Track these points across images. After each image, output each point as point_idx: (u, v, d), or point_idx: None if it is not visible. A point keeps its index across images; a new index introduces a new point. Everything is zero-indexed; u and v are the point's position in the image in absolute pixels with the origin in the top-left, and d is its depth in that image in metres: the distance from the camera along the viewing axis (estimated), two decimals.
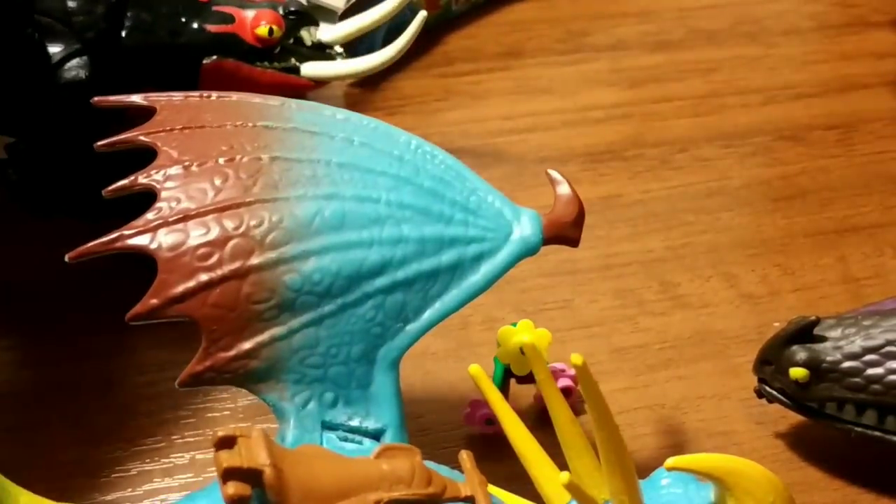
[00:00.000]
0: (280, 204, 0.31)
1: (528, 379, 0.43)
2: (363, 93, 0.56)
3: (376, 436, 0.32)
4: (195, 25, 0.44)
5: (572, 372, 0.42)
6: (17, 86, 0.42)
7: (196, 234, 0.31)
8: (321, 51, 0.47)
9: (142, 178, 0.32)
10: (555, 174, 0.35)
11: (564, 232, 0.35)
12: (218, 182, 0.32)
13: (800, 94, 0.58)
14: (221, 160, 0.32)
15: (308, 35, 0.47)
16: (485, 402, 0.41)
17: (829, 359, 0.38)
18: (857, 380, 0.38)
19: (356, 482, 0.27)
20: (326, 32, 0.47)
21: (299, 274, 0.31)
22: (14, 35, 0.41)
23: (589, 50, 0.60)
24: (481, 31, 0.61)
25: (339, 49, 0.48)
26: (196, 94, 0.34)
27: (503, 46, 0.60)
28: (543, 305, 0.46)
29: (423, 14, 0.46)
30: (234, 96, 0.35)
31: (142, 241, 0.31)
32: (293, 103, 0.35)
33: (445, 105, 0.56)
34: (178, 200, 0.31)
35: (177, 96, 0.34)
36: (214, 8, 0.45)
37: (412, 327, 0.32)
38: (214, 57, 0.44)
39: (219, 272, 0.30)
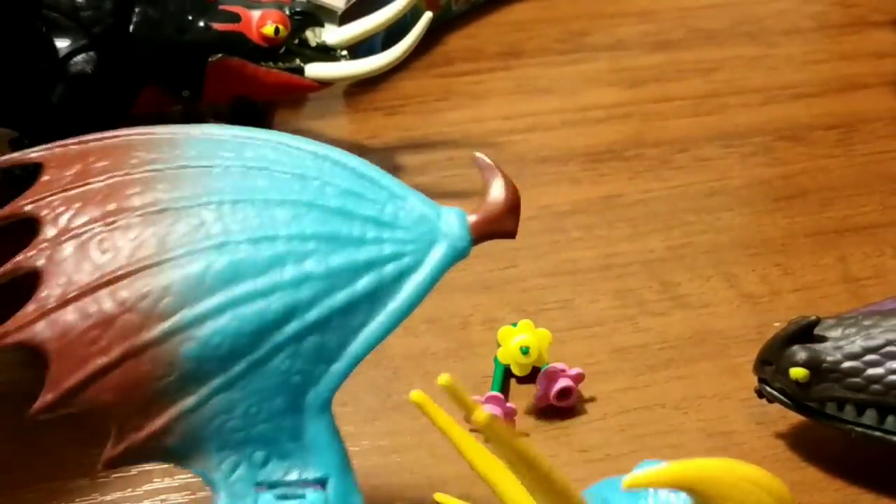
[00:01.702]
0: (167, 266, 0.29)
1: (529, 379, 0.43)
2: (363, 93, 0.56)
3: (321, 483, 0.30)
4: (202, 23, 0.45)
5: (572, 372, 0.42)
6: (24, 80, 0.42)
7: (82, 317, 0.29)
8: (325, 52, 0.47)
9: (25, 262, 0.30)
10: (482, 159, 0.32)
11: (498, 226, 0.32)
12: (102, 252, 0.29)
13: (800, 93, 0.58)
14: (106, 224, 0.30)
15: (313, 36, 0.47)
16: (485, 401, 0.42)
17: (829, 359, 0.38)
18: (857, 380, 0.38)
19: None
20: (331, 35, 0.47)
21: (196, 341, 0.29)
22: (21, 29, 0.41)
23: (589, 50, 0.60)
24: (481, 31, 0.61)
25: (342, 51, 0.48)
26: (83, 140, 0.32)
27: (503, 46, 0.60)
28: (543, 305, 0.46)
29: (428, 16, 0.46)
30: (122, 136, 0.32)
31: (26, 335, 0.29)
32: (183, 134, 0.32)
33: (445, 105, 0.56)
34: (62, 281, 0.29)
35: (70, 145, 0.32)
36: (221, 7, 0.45)
37: (337, 367, 0.30)
38: (220, 55, 0.44)
39: (112, 354, 0.28)
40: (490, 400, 0.42)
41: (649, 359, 0.45)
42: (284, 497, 0.30)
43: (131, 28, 0.44)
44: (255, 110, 0.55)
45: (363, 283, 0.30)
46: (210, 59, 0.44)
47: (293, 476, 0.30)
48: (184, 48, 0.44)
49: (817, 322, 0.39)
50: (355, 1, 0.53)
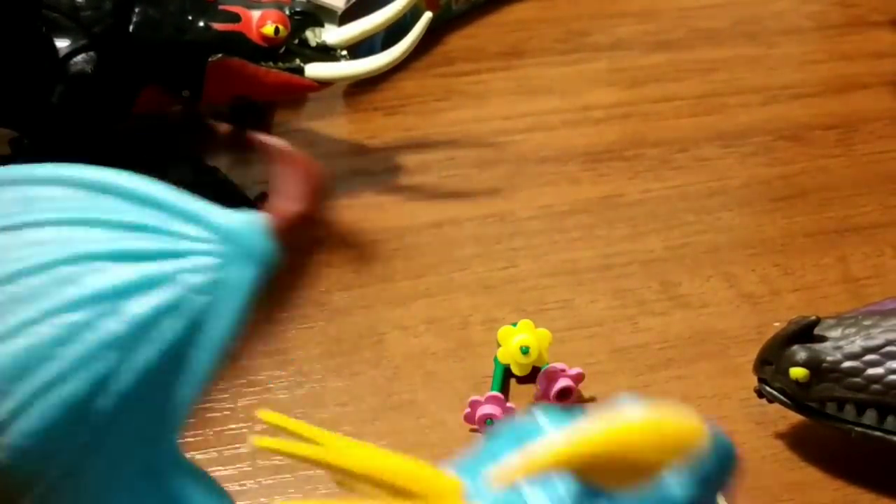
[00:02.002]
0: None
1: (529, 379, 0.43)
2: (363, 93, 0.56)
3: None
4: (202, 23, 0.45)
5: (573, 371, 0.42)
6: (24, 80, 0.42)
7: None
8: (325, 52, 0.47)
9: None
10: (267, 139, 0.29)
11: (300, 214, 0.28)
12: None
13: (800, 93, 0.58)
14: None
15: (313, 36, 0.47)
16: (485, 401, 0.42)
17: (829, 359, 0.38)
18: (857, 380, 0.38)
19: None
20: (331, 35, 0.47)
21: (4, 451, 0.25)
22: (21, 29, 0.41)
23: (589, 50, 0.60)
24: (482, 31, 0.61)
25: (342, 51, 0.48)
26: None
27: (504, 46, 0.60)
28: (543, 305, 0.46)
29: (428, 16, 0.46)
30: None
31: None
32: None
33: (446, 105, 0.56)
34: None
35: None
36: (221, 7, 0.45)
37: (172, 421, 0.27)
38: (220, 55, 0.44)
39: None
40: (490, 400, 0.42)
41: (649, 359, 0.45)
42: None
43: (131, 28, 0.44)
44: (255, 110, 0.55)
45: (168, 327, 0.26)
46: (210, 59, 0.44)
47: None
48: (184, 48, 0.44)
49: (817, 322, 0.39)
50: (355, 1, 0.53)
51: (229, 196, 0.48)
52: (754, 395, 0.41)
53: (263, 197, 0.49)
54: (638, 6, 0.63)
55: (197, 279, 0.27)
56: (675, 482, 0.26)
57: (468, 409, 0.42)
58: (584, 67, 0.59)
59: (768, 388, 0.40)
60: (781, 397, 0.40)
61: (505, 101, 0.57)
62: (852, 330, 0.38)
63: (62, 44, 0.42)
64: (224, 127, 0.55)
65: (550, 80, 0.58)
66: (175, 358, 0.26)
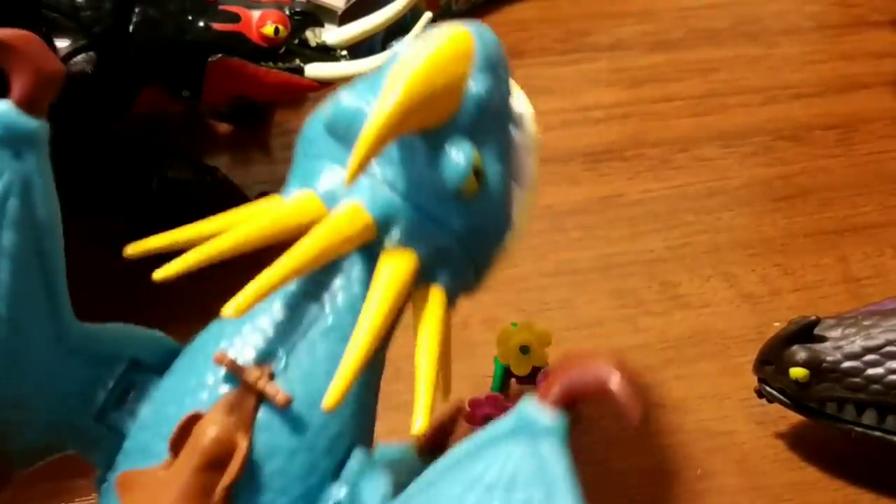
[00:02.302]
0: None
1: (529, 379, 0.43)
2: None
3: None
4: (202, 23, 0.45)
5: None
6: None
7: None
8: (325, 52, 0.47)
9: None
10: None
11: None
12: None
13: (800, 93, 0.58)
14: None
15: (313, 36, 0.47)
16: (485, 401, 0.42)
17: (829, 359, 0.38)
18: (857, 380, 0.38)
19: None
20: (331, 35, 0.47)
21: None
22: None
23: (589, 50, 0.60)
24: None
25: (342, 51, 0.48)
26: None
27: (503, 46, 0.60)
28: (543, 305, 0.46)
29: (428, 16, 0.46)
30: None
31: None
32: None
33: None
34: None
35: None
36: (221, 7, 0.45)
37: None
38: (220, 55, 0.44)
39: None
40: (490, 400, 0.42)
41: (649, 359, 0.45)
42: None
43: (131, 28, 0.44)
44: (254, 110, 0.55)
45: None
46: (210, 59, 0.44)
47: None
48: (184, 48, 0.44)
49: (817, 322, 0.39)
50: (355, 1, 0.53)
51: (229, 196, 0.48)
52: (754, 395, 0.41)
53: (264, 196, 0.49)
54: (638, 6, 0.63)
55: None
56: (474, 84, 0.29)
57: (468, 409, 0.42)
58: (585, 67, 0.59)
59: (768, 388, 0.40)
60: (781, 397, 0.40)
61: None
62: (852, 330, 0.38)
63: (62, 44, 0.42)
64: (224, 127, 0.55)
65: (550, 80, 0.58)
66: None
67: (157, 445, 0.28)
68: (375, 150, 0.27)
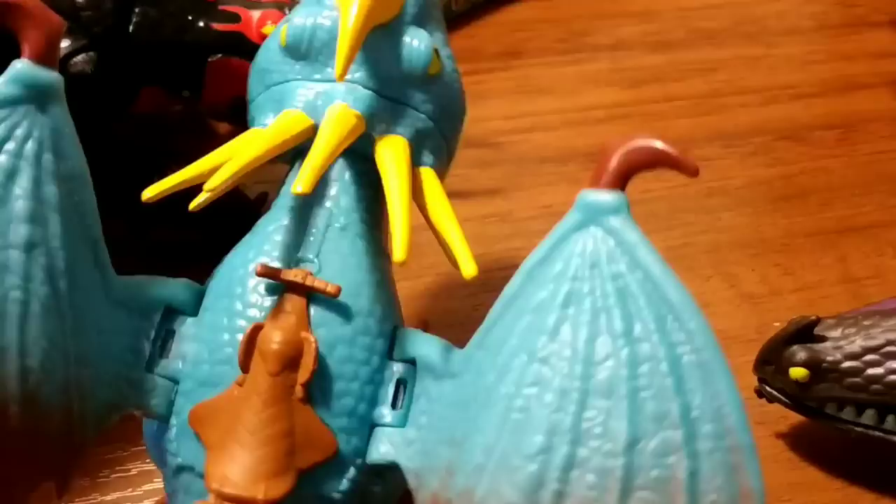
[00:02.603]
0: None
1: None
2: None
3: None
4: (202, 23, 0.45)
5: None
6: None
7: None
8: None
9: None
10: None
11: None
12: None
13: (800, 93, 0.58)
14: None
15: None
16: None
17: (829, 359, 0.38)
18: (857, 380, 0.38)
19: None
20: None
21: None
22: None
23: (589, 50, 0.60)
24: (481, 31, 0.61)
25: None
26: None
27: (503, 46, 0.60)
28: None
29: None
30: None
31: None
32: None
33: None
34: None
35: None
36: (221, 7, 0.45)
37: None
38: (220, 55, 0.44)
39: None
40: None
41: None
42: None
43: (131, 28, 0.44)
44: None
45: None
46: (210, 60, 0.45)
47: None
48: (184, 48, 0.44)
49: (817, 322, 0.39)
50: None
51: (229, 196, 0.48)
52: (754, 394, 0.41)
53: (264, 196, 0.49)
54: (638, 6, 0.63)
55: None
56: None
57: None
58: (585, 67, 0.59)
59: (768, 388, 0.40)
60: (781, 397, 0.40)
61: (505, 101, 0.57)
62: (852, 330, 0.38)
63: (62, 44, 0.42)
64: (224, 127, 0.55)
65: (551, 81, 0.58)
66: None
67: (218, 373, 0.29)
68: (358, 41, 0.29)
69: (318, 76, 0.32)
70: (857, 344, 0.38)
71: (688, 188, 0.52)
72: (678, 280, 0.27)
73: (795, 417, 0.41)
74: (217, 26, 0.45)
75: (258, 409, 0.28)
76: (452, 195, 0.51)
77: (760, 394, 0.40)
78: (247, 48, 0.45)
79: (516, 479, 0.26)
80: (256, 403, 0.28)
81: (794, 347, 0.39)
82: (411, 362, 0.30)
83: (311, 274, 0.30)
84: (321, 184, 0.31)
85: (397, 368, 0.30)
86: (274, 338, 0.28)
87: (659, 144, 0.27)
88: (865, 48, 0.61)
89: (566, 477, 0.26)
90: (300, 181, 0.28)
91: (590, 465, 0.26)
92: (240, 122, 0.55)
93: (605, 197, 0.28)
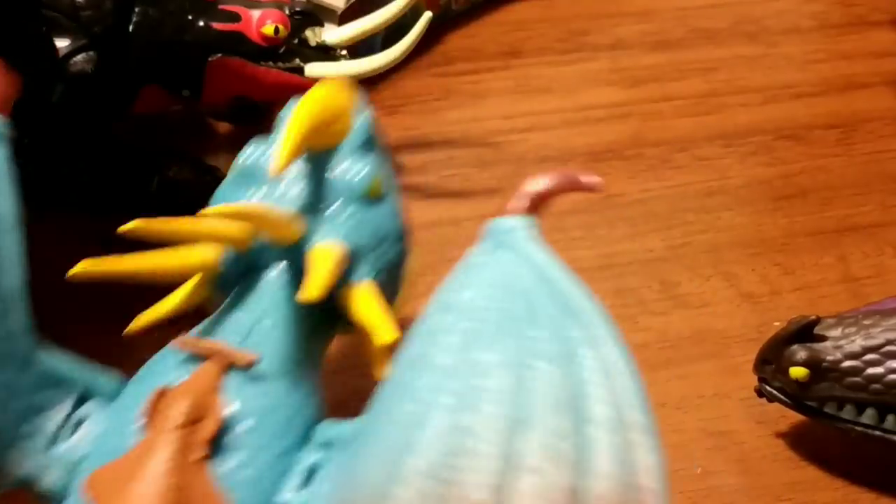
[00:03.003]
0: None
1: None
2: (363, 92, 0.56)
3: None
4: (201, 23, 0.45)
5: None
6: (23, 80, 0.42)
7: None
8: (325, 51, 0.47)
9: None
10: None
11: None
12: None
13: (800, 93, 0.58)
14: None
15: (313, 35, 0.47)
16: None
17: (829, 358, 0.38)
18: (857, 379, 0.38)
19: None
20: (331, 34, 0.47)
21: None
22: (21, 29, 0.41)
23: (589, 49, 0.60)
24: (481, 31, 0.61)
25: (342, 51, 0.48)
26: None
27: (503, 46, 0.60)
28: None
29: (428, 15, 0.46)
30: None
31: None
32: None
33: (445, 104, 0.56)
34: None
35: None
36: (221, 6, 0.45)
37: None
38: (220, 55, 0.44)
39: None
40: None
41: (649, 358, 0.45)
42: None
43: (131, 28, 0.44)
44: (254, 110, 0.55)
45: None
46: (210, 59, 0.44)
47: None
48: (184, 48, 0.44)
49: (817, 321, 0.39)
50: (355, 0, 0.53)
51: None
52: (754, 394, 0.41)
53: None
54: (638, 6, 0.63)
55: None
56: (360, 113, 0.34)
57: None
58: (584, 67, 0.59)
59: (768, 388, 0.40)
60: (781, 396, 0.40)
61: (504, 101, 0.57)
62: (852, 329, 0.38)
63: (62, 43, 0.42)
64: (224, 127, 0.55)
65: (550, 80, 0.58)
66: None
67: (121, 445, 0.29)
68: (295, 145, 0.30)
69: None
70: (858, 343, 0.38)
71: (687, 188, 0.52)
72: (586, 290, 0.28)
73: (795, 417, 0.41)
74: (217, 26, 0.45)
75: (155, 468, 0.27)
76: (452, 194, 0.52)
77: (760, 393, 0.40)
78: (247, 48, 0.45)
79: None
80: (154, 463, 0.27)
81: (795, 347, 0.39)
82: (328, 446, 0.30)
83: (228, 344, 0.30)
84: (248, 285, 0.32)
85: (313, 453, 0.30)
86: (179, 398, 0.28)
87: (562, 174, 0.29)
88: (866, 48, 0.61)
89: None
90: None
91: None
92: (240, 121, 0.55)
93: (513, 222, 0.29)
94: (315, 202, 0.33)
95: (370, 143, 0.34)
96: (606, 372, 0.27)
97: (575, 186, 0.29)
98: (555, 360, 0.26)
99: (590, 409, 0.26)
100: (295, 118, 0.31)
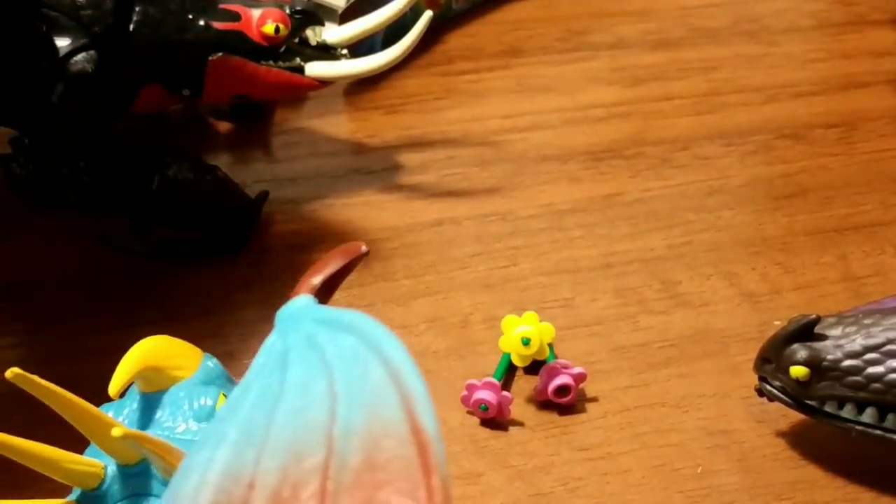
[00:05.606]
0: None
1: (535, 372, 0.43)
2: (363, 92, 0.56)
3: None
4: (202, 22, 0.45)
5: (575, 371, 0.42)
6: (24, 79, 0.42)
7: None
8: (326, 51, 0.47)
9: None
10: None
11: None
12: None
13: (800, 92, 0.58)
14: None
15: (313, 35, 0.47)
16: (481, 386, 0.42)
17: (829, 357, 0.38)
18: (857, 378, 0.38)
19: None
20: (332, 34, 0.47)
21: None
22: (21, 28, 0.41)
23: (589, 48, 0.60)
24: (482, 30, 0.61)
25: (343, 50, 0.48)
26: None
27: (503, 45, 0.60)
28: (544, 304, 0.46)
29: (428, 14, 0.46)
30: None
31: None
32: None
33: (446, 104, 0.56)
34: None
35: None
36: (221, 6, 0.45)
37: None
38: (220, 54, 0.44)
39: None
40: (486, 385, 0.42)
41: (650, 357, 0.45)
42: None
43: (131, 27, 0.44)
44: (255, 109, 0.55)
45: None
46: (210, 58, 0.44)
47: None
48: (184, 47, 0.44)
49: (818, 320, 0.39)
50: (355, 0, 0.53)
51: (229, 196, 0.48)
52: (755, 393, 0.41)
53: (264, 195, 0.49)
54: (638, 5, 0.63)
55: None
56: (207, 359, 0.36)
57: (465, 392, 0.42)
58: (585, 66, 0.59)
59: (769, 387, 0.40)
60: (782, 396, 0.40)
61: (505, 100, 0.57)
62: (853, 328, 0.38)
63: (62, 43, 0.42)
64: (224, 126, 0.55)
65: (550, 79, 0.58)
66: None
67: None
68: (123, 378, 0.34)
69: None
70: (858, 342, 0.38)
71: (688, 187, 0.52)
72: (371, 319, 0.29)
73: (796, 416, 0.41)
74: (217, 25, 0.45)
75: None
76: (453, 194, 0.52)
77: (761, 392, 0.40)
78: (247, 47, 0.45)
79: None
80: None
81: (795, 346, 0.39)
82: None
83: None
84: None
85: None
86: None
87: (338, 252, 0.38)
88: (866, 46, 0.61)
89: None
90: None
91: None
92: (240, 121, 0.55)
93: (298, 302, 0.34)
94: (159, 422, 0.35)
95: (218, 374, 0.36)
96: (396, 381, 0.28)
97: (349, 265, 0.34)
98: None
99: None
100: (123, 361, 0.34)
